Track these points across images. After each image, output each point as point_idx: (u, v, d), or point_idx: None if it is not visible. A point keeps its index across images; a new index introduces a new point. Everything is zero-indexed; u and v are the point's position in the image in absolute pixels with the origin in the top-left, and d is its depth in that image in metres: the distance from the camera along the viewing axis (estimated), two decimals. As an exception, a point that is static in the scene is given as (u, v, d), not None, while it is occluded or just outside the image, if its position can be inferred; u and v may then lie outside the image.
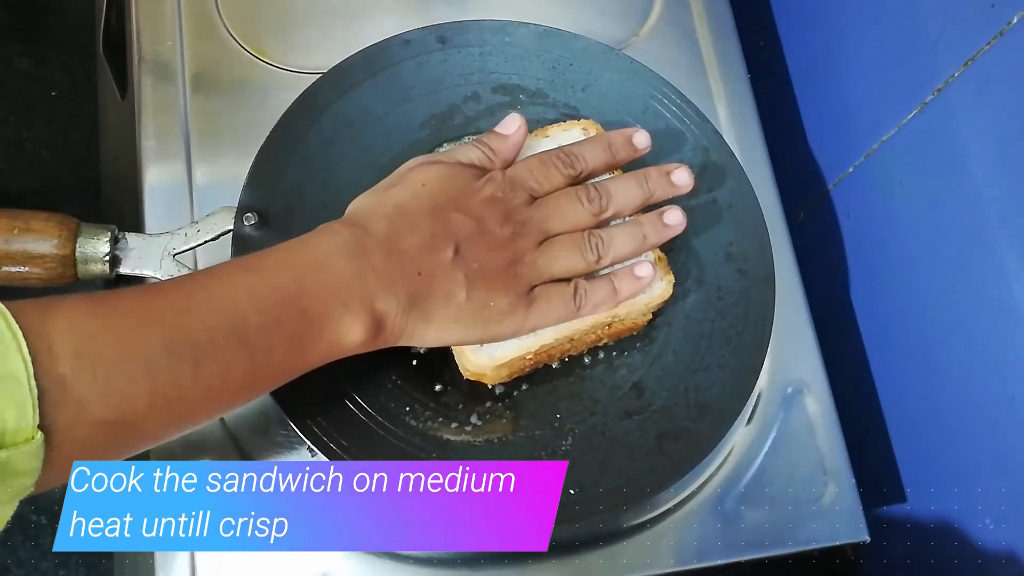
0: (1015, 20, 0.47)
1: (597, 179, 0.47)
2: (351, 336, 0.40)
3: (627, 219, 0.47)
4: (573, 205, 0.45)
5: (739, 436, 0.53)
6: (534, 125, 0.51)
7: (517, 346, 0.44)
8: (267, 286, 0.38)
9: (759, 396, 0.54)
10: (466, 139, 0.52)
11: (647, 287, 0.46)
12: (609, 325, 0.46)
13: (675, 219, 0.46)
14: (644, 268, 0.46)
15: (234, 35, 0.58)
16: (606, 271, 0.46)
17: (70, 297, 0.35)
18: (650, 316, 0.48)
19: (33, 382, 0.31)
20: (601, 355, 0.48)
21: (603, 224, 0.46)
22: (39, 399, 0.31)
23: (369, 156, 0.51)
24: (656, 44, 0.61)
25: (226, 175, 0.54)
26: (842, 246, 0.66)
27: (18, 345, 0.31)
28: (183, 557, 0.47)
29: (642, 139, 0.47)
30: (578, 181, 0.46)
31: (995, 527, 0.53)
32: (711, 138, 0.53)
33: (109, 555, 0.83)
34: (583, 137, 0.49)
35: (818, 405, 0.54)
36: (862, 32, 0.61)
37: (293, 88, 0.51)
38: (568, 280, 0.45)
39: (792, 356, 0.55)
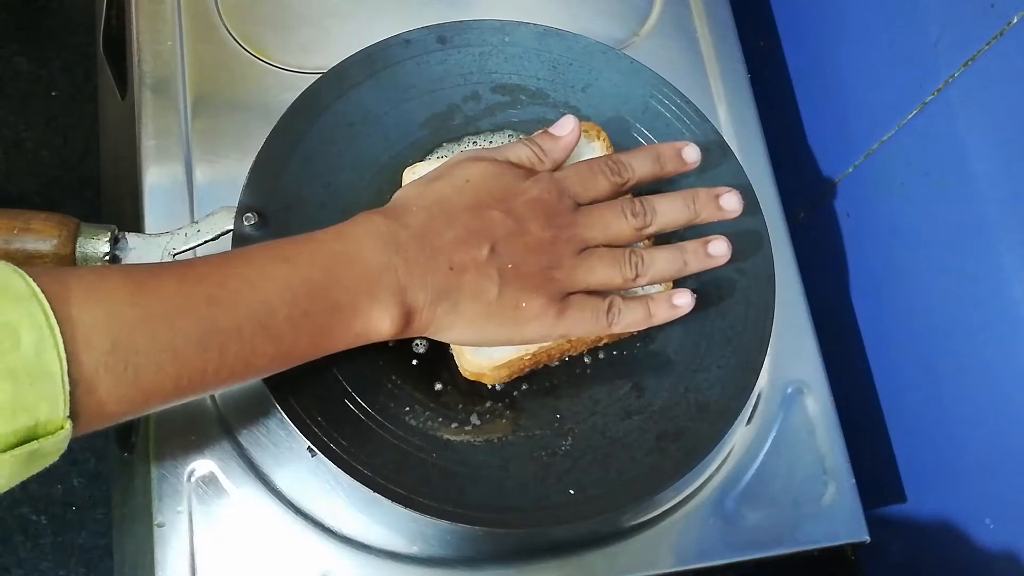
0: (1015, 20, 0.47)
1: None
2: (379, 326, 0.41)
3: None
4: (617, 218, 0.44)
5: (739, 436, 0.53)
6: (534, 125, 0.51)
7: (516, 346, 0.44)
8: (299, 278, 0.39)
9: (759, 396, 0.54)
10: (466, 139, 0.52)
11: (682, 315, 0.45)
12: (609, 325, 0.46)
13: (720, 250, 0.45)
14: (683, 297, 0.45)
15: (234, 35, 0.58)
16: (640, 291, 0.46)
17: (110, 278, 0.35)
18: (650, 316, 0.48)
19: (67, 378, 0.32)
20: (601, 355, 0.48)
21: (644, 239, 0.46)
22: (71, 391, 0.32)
23: (369, 156, 0.51)
24: (656, 44, 0.61)
25: (226, 175, 0.54)
26: (842, 246, 0.66)
27: (55, 342, 0.32)
28: (183, 557, 0.47)
29: (692, 153, 0.47)
30: (622, 192, 0.46)
31: (995, 527, 0.53)
32: (711, 138, 0.52)
33: (109, 555, 0.83)
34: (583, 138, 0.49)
35: (818, 405, 0.54)
36: (862, 32, 0.61)
37: (293, 88, 0.51)
38: (603, 294, 0.44)
39: (792, 356, 0.55)
